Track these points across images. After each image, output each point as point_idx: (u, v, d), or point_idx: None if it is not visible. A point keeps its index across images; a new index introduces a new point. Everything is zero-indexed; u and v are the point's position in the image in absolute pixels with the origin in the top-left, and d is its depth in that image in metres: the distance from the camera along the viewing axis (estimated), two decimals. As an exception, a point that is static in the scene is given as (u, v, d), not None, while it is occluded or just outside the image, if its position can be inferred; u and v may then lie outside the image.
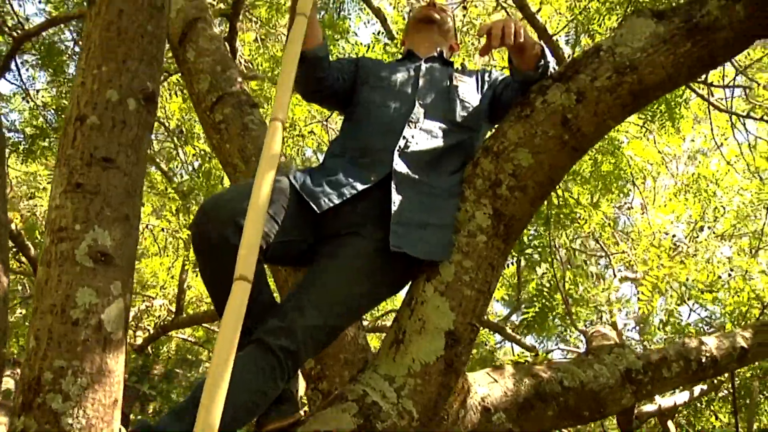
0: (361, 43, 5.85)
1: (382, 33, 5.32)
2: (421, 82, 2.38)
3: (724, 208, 7.02)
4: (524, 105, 2.19)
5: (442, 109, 2.31)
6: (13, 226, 6.43)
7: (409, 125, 2.22)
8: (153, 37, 1.86)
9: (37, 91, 8.42)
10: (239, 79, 3.33)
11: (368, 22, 6.78)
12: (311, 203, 2.03)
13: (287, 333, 1.87)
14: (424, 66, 2.46)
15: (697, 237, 7.32)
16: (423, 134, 2.22)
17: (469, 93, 2.39)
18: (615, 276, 6.79)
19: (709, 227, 7.46)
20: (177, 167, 8.44)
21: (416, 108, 2.27)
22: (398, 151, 2.16)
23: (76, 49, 8.04)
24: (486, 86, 2.45)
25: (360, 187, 2.09)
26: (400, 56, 2.99)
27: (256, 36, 8.30)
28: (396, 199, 2.08)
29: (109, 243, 1.65)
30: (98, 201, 1.67)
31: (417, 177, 2.14)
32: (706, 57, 2.14)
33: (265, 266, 2.27)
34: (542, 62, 2.19)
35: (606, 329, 3.77)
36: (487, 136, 2.36)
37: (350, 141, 2.29)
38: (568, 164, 2.22)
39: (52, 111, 7.75)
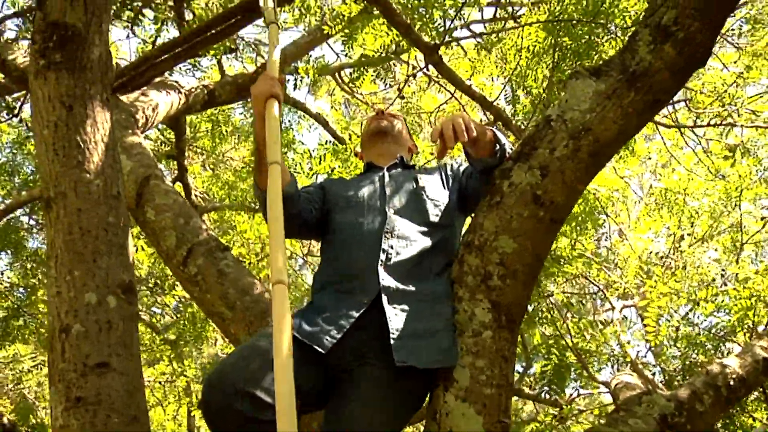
0: (309, 151, 5.89)
1: (329, 141, 5.38)
2: (387, 191, 2.38)
3: (697, 212, 7.09)
4: (493, 192, 2.19)
5: (414, 212, 2.31)
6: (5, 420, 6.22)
7: (385, 237, 2.21)
8: (116, 228, 1.85)
9: (1, 272, 8.33)
10: (204, 227, 3.33)
11: (311, 127, 6.85)
12: (314, 346, 1.99)
13: None
14: (387, 175, 2.46)
15: (680, 247, 7.37)
16: (402, 242, 2.21)
17: (437, 191, 2.40)
18: (613, 308, 6.76)
19: (688, 234, 7.51)
20: (159, 310, 8.33)
21: (389, 217, 2.27)
22: (381, 265, 2.14)
23: (31, 222, 8.02)
24: (451, 180, 2.46)
25: (356, 314, 2.06)
26: (353, 163, 2.99)
27: (204, 165, 8.36)
28: (391, 314, 2.06)
29: (124, 450, 1.59)
30: (102, 410, 1.63)
31: (406, 287, 2.13)
32: (651, 101, 2.18)
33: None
34: (498, 147, 2.22)
35: (627, 377, 3.72)
36: (463, 229, 2.36)
37: (332, 269, 2.27)
38: (551, 237, 2.22)
39: (21, 289, 7.66)
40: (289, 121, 6.64)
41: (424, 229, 2.27)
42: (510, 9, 5.97)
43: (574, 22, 4.43)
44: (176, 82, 4.95)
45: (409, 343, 2.01)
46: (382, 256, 2.16)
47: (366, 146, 2.70)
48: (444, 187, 2.44)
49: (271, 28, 2.50)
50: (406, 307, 2.08)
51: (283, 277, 1.66)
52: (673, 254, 6.91)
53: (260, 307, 3.01)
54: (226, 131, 7.09)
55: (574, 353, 4.20)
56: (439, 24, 4.35)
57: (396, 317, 2.05)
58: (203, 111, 5.84)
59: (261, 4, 2.77)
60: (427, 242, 2.24)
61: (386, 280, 2.11)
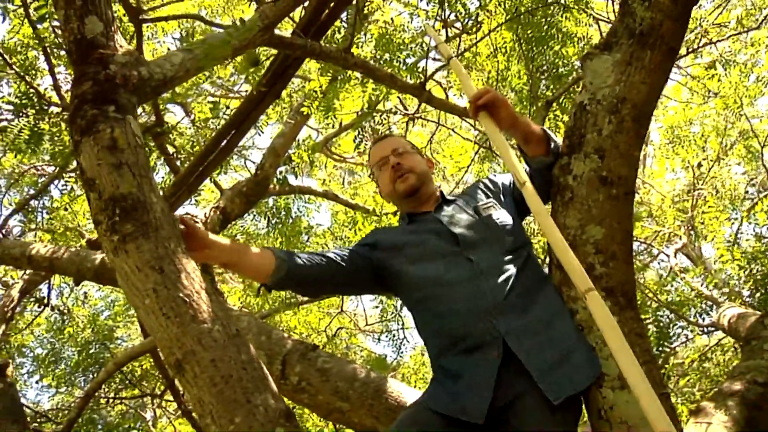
0: (329, 230, 5.98)
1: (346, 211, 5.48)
2: (454, 231, 2.31)
3: (704, 138, 7.17)
4: (561, 191, 2.25)
5: (492, 244, 2.26)
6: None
7: (479, 279, 2.16)
8: (251, 363, 1.89)
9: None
10: (285, 335, 3.36)
11: (319, 207, 6.94)
12: (471, 420, 1.96)
13: None
14: (442, 218, 2.38)
15: (701, 174, 7.44)
16: (496, 279, 2.16)
17: (498, 211, 2.36)
18: (669, 257, 6.79)
19: (704, 159, 7.59)
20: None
21: (474, 259, 2.21)
22: (490, 309, 2.09)
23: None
24: (502, 196, 2.45)
25: (495, 371, 2.01)
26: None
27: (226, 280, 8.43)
28: (522, 355, 2.01)
29: None
30: None
31: (522, 320, 2.08)
32: (667, 52, 2.26)
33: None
34: (552, 145, 2.28)
35: (733, 309, 3.72)
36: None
37: (441, 329, 2.18)
38: (630, 208, 2.27)
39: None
40: (297, 209, 6.69)
41: (509, 257, 2.23)
42: (459, 25, 6.10)
43: (532, 10, 4.55)
44: (188, 213, 5.03)
45: (553, 376, 1.97)
46: (489, 299, 2.11)
47: (398, 203, 2.58)
48: (500, 206, 2.40)
49: (452, 63, 2.52)
50: (532, 340, 2.04)
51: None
52: (700, 184, 6.97)
53: (372, 387, 3.03)
54: (242, 242, 7.18)
55: (668, 309, 4.21)
56: (411, 64, 4.49)
57: (529, 355, 2.00)
58: (222, 232, 5.91)
59: (434, 43, 2.87)
60: (517, 265, 2.21)
61: (501, 322, 2.06)
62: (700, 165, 7.42)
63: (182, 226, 2.14)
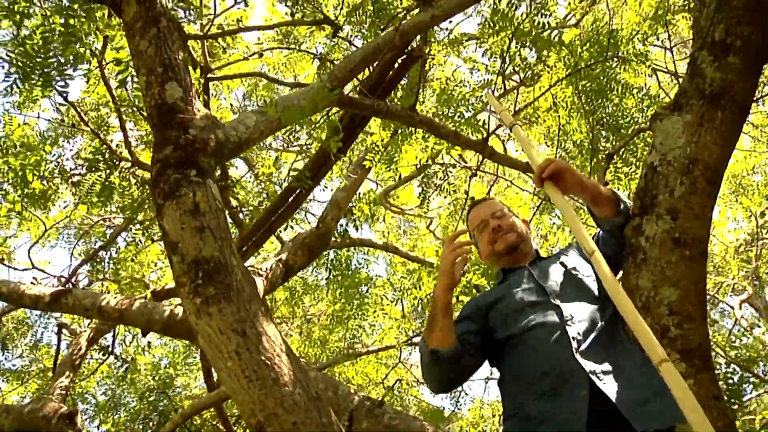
0: (387, 281, 6.02)
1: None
2: (543, 284, 2.36)
3: (768, 186, 7.04)
4: (633, 252, 2.26)
5: (579, 294, 2.30)
6: None
7: (568, 326, 2.19)
8: (331, 425, 1.94)
9: None
10: (353, 390, 3.40)
11: (377, 258, 6.99)
12: None
13: None
14: (532, 271, 2.45)
15: (766, 223, 7.29)
16: (584, 324, 2.19)
17: (585, 267, 2.40)
18: (733, 309, 6.65)
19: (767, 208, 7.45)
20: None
21: (561, 307, 2.25)
22: (577, 353, 2.12)
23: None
24: (585, 256, 2.50)
25: (584, 410, 2.01)
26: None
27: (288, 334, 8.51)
28: (610, 392, 2.02)
29: None
30: None
31: (609, 365, 2.10)
32: (738, 111, 2.27)
33: None
34: (622, 206, 2.29)
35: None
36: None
37: (525, 374, 2.22)
38: (704, 268, 2.26)
39: None
40: (356, 262, 6.74)
41: (596, 306, 2.26)
42: (517, 77, 6.16)
43: (591, 64, 4.58)
44: (252, 266, 5.11)
45: (642, 409, 1.98)
46: (574, 345, 2.13)
47: (496, 261, 2.65)
48: (586, 262, 2.46)
49: (515, 130, 2.56)
50: (620, 382, 2.06)
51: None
52: (764, 233, 6.83)
53: (439, 443, 3.04)
54: (301, 293, 7.25)
55: (738, 366, 4.12)
56: (471, 116, 4.54)
57: (617, 393, 2.02)
58: (283, 284, 5.99)
59: (495, 111, 2.93)
60: (605, 315, 2.23)
61: (588, 365, 2.08)
62: (763, 214, 7.28)
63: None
